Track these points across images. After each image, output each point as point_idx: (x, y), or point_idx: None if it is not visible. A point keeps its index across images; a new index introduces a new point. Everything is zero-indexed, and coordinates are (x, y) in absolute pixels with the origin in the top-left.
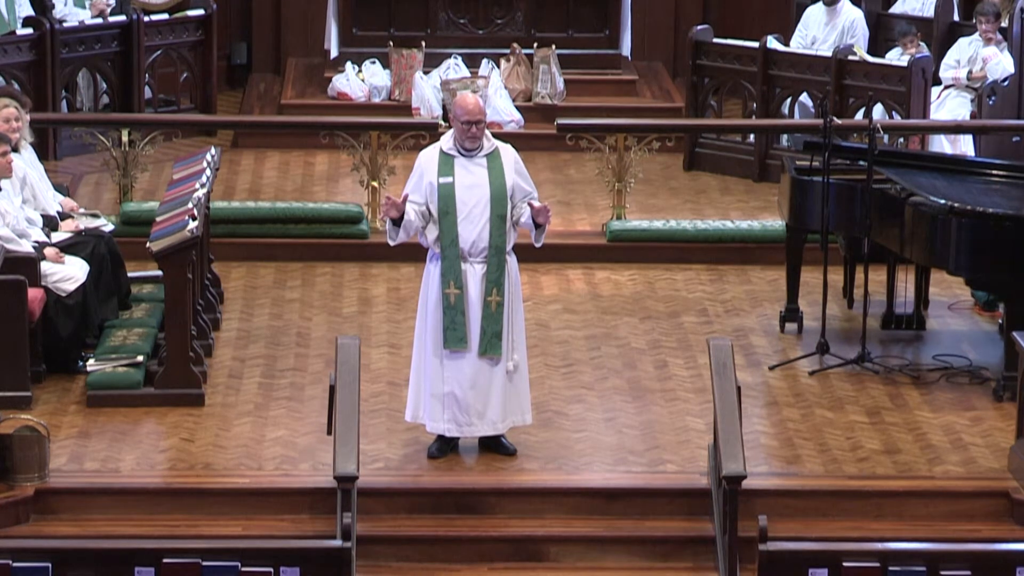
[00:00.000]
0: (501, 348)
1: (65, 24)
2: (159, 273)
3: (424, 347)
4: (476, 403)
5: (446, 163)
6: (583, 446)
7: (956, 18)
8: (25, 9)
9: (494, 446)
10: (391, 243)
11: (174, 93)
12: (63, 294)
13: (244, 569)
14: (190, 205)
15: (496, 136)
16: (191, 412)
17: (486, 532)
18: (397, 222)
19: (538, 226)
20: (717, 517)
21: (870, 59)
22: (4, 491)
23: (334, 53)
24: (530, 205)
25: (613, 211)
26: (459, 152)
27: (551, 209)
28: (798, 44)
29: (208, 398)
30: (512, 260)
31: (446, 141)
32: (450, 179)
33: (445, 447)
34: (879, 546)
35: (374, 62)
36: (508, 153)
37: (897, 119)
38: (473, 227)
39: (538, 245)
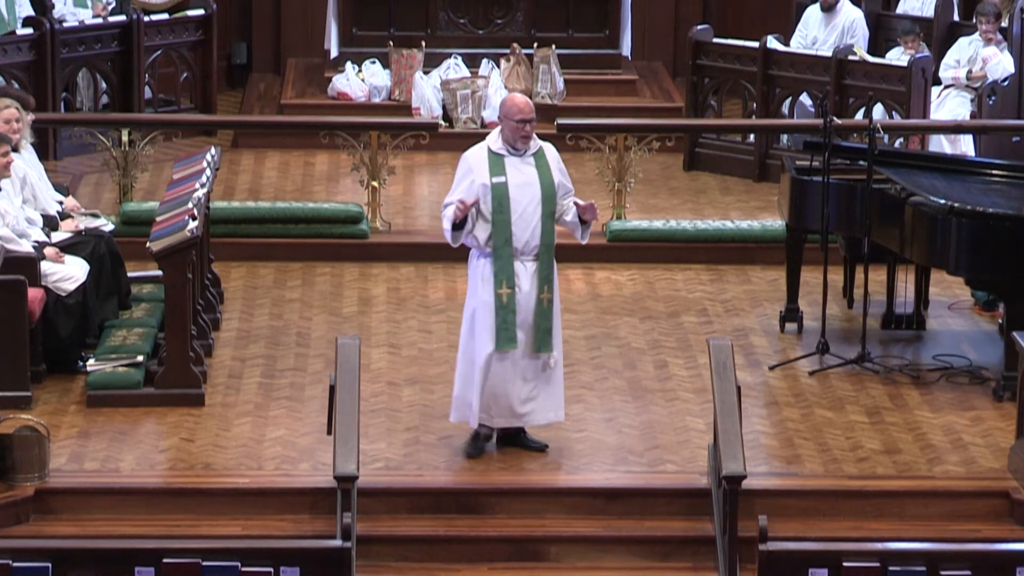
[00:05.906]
0: (552, 344)
1: (65, 24)
2: (159, 273)
3: (470, 344)
4: (515, 397)
5: (496, 163)
6: (583, 446)
7: (956, 18)
8: (25, 9)
9: (523, 443)
10: (454, 245)
11: (174, 93)
12: (63, 294)
13: (244, 569)
14: (190, 205)
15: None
16: (191, 412)
17: (486, 532)
18: (457, 225)
19: (584, 223)
20: (717, 517)
21: (870, 59)
22: (4, 491)
23: (334, 53)
24: (576, 204)
25: (613, 211)
26: (508, 151)
27: (596, 206)
28: (798, 44)
29: (208, 398)
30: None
31: (494, 141)
32: (503, 178)
33: (481, 445)
34: (879, 546)
35: (374, 62)
36: (551, 151)
37: (897, 119)
38: (527, 226)
39: (584, 242)
